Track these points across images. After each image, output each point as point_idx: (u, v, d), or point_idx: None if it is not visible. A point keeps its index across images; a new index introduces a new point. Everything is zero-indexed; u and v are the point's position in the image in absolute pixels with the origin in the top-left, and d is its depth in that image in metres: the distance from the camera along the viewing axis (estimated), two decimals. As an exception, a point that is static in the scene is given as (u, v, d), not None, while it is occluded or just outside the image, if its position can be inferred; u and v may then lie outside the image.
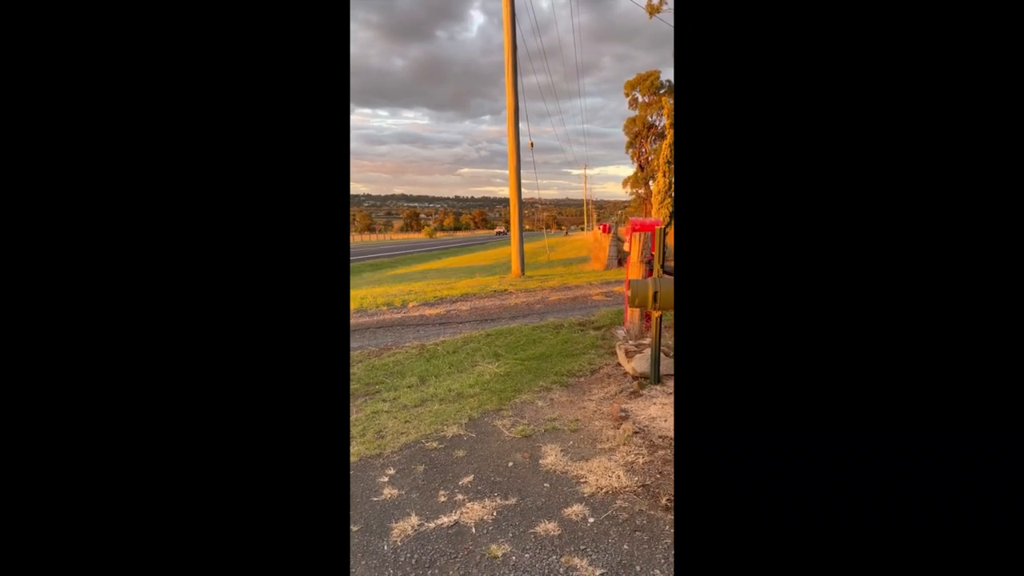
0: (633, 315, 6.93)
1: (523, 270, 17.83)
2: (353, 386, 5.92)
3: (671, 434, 4.41)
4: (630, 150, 58.64)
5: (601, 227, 25.22)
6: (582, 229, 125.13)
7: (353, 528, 3.33)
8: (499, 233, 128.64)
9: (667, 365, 5.52)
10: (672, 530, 3.29)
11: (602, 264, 20.54)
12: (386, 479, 3.91)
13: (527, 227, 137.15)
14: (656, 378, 5.40)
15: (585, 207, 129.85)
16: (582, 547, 3.10)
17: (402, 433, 4.68)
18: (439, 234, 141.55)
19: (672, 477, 3.82)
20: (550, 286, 14.78)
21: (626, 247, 8.52)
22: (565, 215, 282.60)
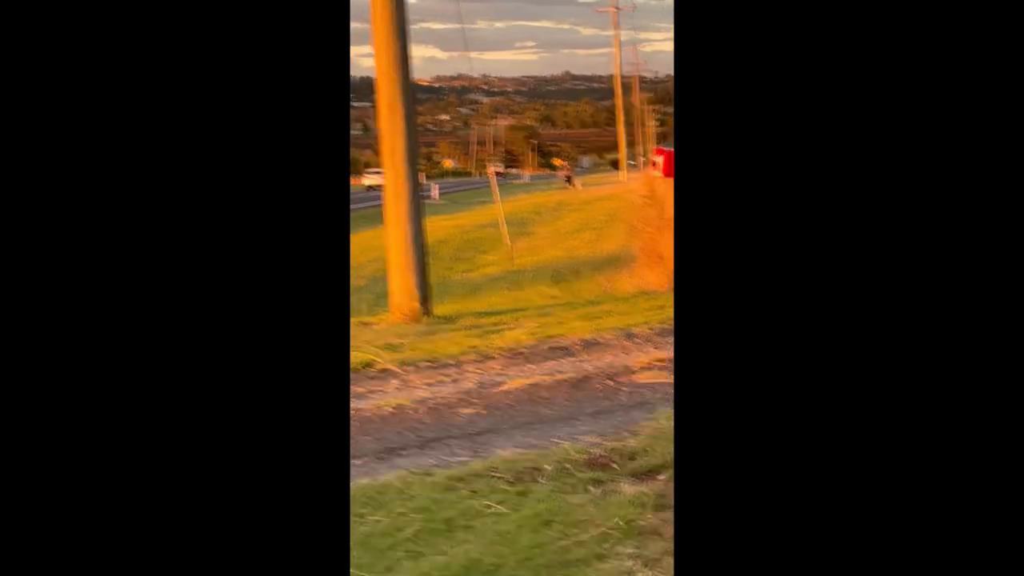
0: None
1: (425, 300, 8.30)
2: None
3: None
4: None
5: (663, 157, 10.03)
6: (615, 166, 79.17)
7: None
8: (371, 188, 53.25)
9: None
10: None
11: (672, 273, 9.91)
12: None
13: (448, 166, 75.15)
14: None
15: (620, 99, 53.63)
16: None
17: None
18: None
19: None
20: (504, 346, 6.85)
21: None
22: (567, 121, 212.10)
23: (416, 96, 8.72)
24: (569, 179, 47.68)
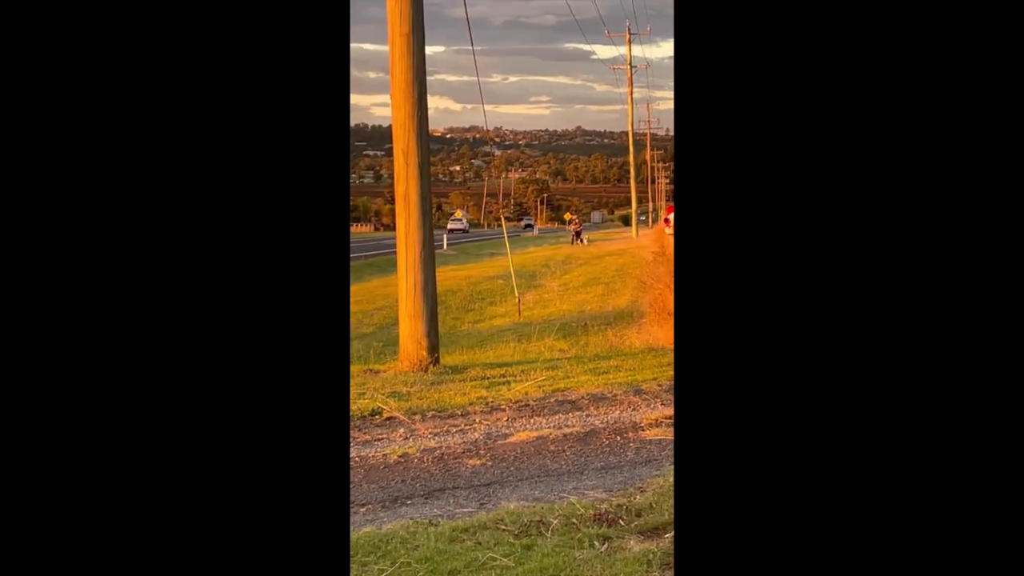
0: None
1: (434, 350, 8.30)
2: None
3: None
4: None
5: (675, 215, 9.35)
6: (626, 223, 78.15)
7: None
8: (452, 231, 61.35)
9: None
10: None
11: None
12: None
13: (460, 215, 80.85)
14: None
15: (632, 155, 53.52)
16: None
17: None
18: None
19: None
20: (512, 398, 6.88)
21: None
22: (578, 175, 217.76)
23: (429, 147, 8.78)
24: (579, 234, 47.45)
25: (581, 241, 45.44)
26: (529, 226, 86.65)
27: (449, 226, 72.34)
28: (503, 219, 20.89)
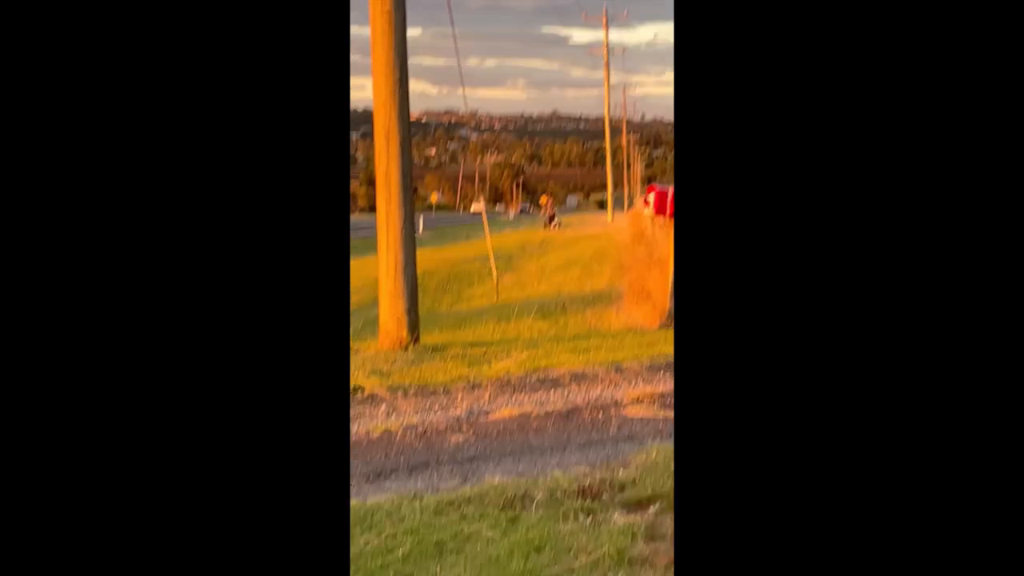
0: None
1: (414, 328, 8.23)
2: None
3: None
4: None
5: (654, 195, 9.93)
6: (602, 207, 79.63)
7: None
8: (475, 214, 69.12)
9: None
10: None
11: (660, 312, 9.67)
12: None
13: (434, 200, 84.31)
14: None
15: (608, 139, 54.87)
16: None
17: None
18: None
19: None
20: (493, 376, 6.96)
21: None
22: (553, 160, 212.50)
23: (410, 126, 8.77)
24: (552, 218, 47.04)
25: (554, 225, 45.15)
26: (524, 211, 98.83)
27: (472, 209, 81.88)
28: (483, 202, 20.81)
